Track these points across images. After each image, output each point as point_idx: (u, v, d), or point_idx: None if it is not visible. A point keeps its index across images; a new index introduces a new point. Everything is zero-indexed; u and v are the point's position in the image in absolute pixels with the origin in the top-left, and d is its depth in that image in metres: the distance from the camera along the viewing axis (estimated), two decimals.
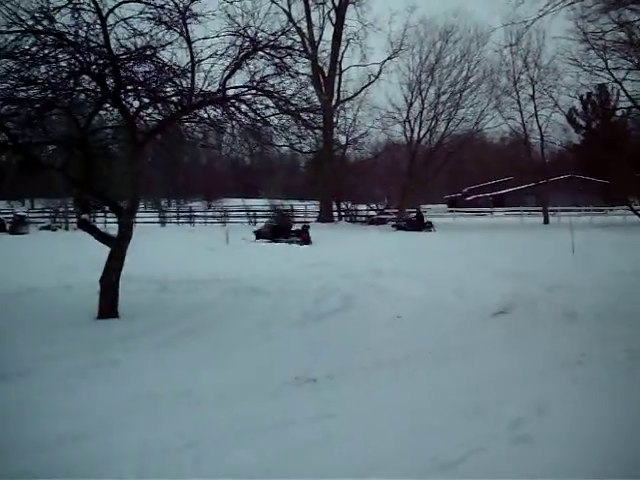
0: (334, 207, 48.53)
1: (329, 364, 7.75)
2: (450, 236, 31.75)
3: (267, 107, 11.34)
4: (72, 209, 44.70)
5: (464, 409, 6.07)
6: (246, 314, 11.36)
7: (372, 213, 48.49)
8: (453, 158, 46.79)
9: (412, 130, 46.59)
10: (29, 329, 10.16)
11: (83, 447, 5.31)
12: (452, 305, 11.74)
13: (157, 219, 46.66)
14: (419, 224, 38.53)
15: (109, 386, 7.05)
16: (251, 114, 11.31)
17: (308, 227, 32.09)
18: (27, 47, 9.97)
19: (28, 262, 20.65)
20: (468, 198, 67.54)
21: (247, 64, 11.07)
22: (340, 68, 46.10)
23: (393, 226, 39.61)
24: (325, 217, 45.06)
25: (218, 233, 31.93)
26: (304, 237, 30.21)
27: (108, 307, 10.89)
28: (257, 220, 47.32)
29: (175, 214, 52.22)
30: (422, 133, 46.79)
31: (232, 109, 11.24)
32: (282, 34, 11.47)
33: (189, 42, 10.48)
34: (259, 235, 30.47)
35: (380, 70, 46.39)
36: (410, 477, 4.71)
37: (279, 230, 31.33)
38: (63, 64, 10.48)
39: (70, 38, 10.14)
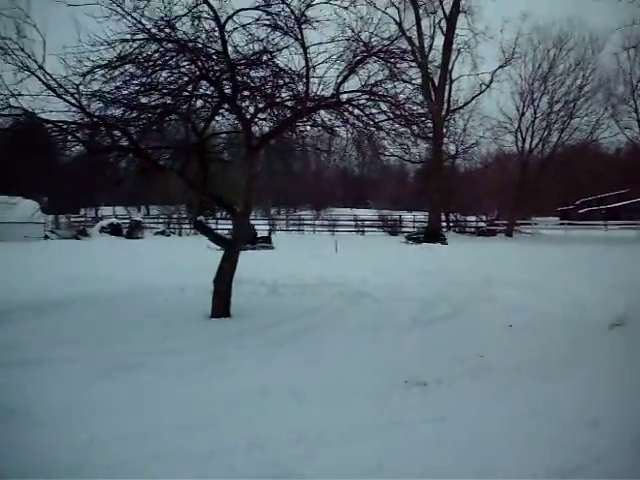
0: (442, 218, 48.09)
1: (438, 369, 7.66)
2: (563, 248, 30.90)
3: (380, 112, 11.34)
4: (185, 216, 46.04)
5: (579, 419, 5.89)
6: (354, 317, 11.41)
7: (481, 224, 47.82)
8: (566, 169, 45.49)
9: (524, 140, 45.75)
10: (146, 325, 10.59)
11: (193, 437, 5.47)
12: (565, 316, 11.38)
13: (267, 227, 47.41)
14: (435, 236, 37.69)
15: (220, 381, 7.22)
16: (364, 119, 11.35)
17: (270, 233, 33.96)
18: (149, 54, 10.35)
19: (144, 264, 21.39)
20: (581, 210, 65.60)
21: (360, 69, 11.13)
22: (450, 77, 45.69)
23: (407, 238, 38.54)
24: (433, 228, 44.64)
25: (327, 241, 32.28)
26: (269, 242, 31.57)
27: (221, 307, 11.17)
28: (365, 230, 47.54)
29: (284, 222, 52.97)
30: (534, 143, 45.87)
31: (346, 114, 11.33)
32: (392, 42, 11.46)
33: (304, 47, 10.62)
34: None
35: (491, 79, 45.71)
36: None
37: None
38: (183, 70, 10.82)
39: (190, 45, 10.45)
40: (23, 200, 29.80)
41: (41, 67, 10.44)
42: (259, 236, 32.76)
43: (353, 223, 49.39)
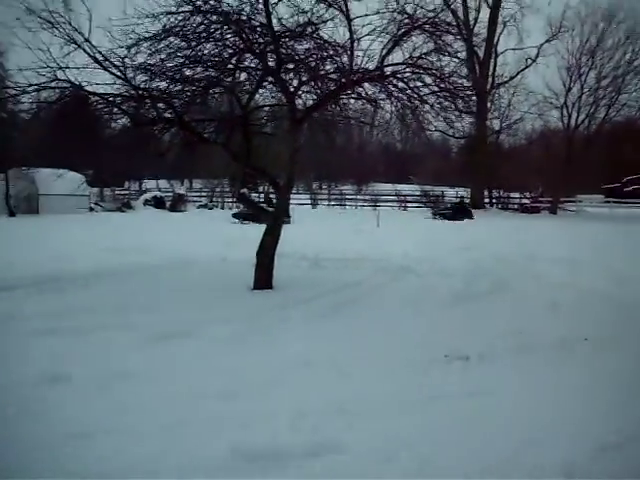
0: (485, 194, 47.64)
1: (480, 344, 7.63)
2: (607, 226, 30.42)
3: (424, 85, 11.24)
4: (228, 189, 46.33)
5: (627, 394, 5.85)
6: (396, 292, 11.41)
7: (525, 201, 47.26)
8: (613, 146, 44.55)
9: (569, 116, 44.80)
10: (189, 296, 10.77)
11: (237, 404, 5.57)
12: (609, 293, 11.27)
13: (309, 201, 47.44)
14: (462, 213, 36.62)
15: (264, 351, 7.31)
16: (408, 92, 11.26)
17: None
18: (194, 26, 10.37)
19: (187, 236, 21.63)
20: (627, 188, 64.30)
21: (405, 41, 11.04)
22: (495, 51, 45.03)
23: (435, 214, 37.41)
24: (476, 204, 44.26)
25: (368, 216, 32.24)
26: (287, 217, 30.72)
27: (263, 279, 11.26)
28: (407, 205, 47.31)
29: (326, 196, 52.98)
30: (580, 119, 44.91)
31: (390, 87, 11.25)
32: (437, 15, 11.34)
33: (349, 19, 10.56)
34: (241, 217, 29.97)
35: (537, 53, 44.94)
36: (568, 456, 4.60)
37: None
38: (227, 43, 10.83)
39: (234, 17, 10.44)
40: (69, 173, 30.21)
41: (87, 40, 10.54)
42: None
43: (395, 198, 49.20)
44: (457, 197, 46.99)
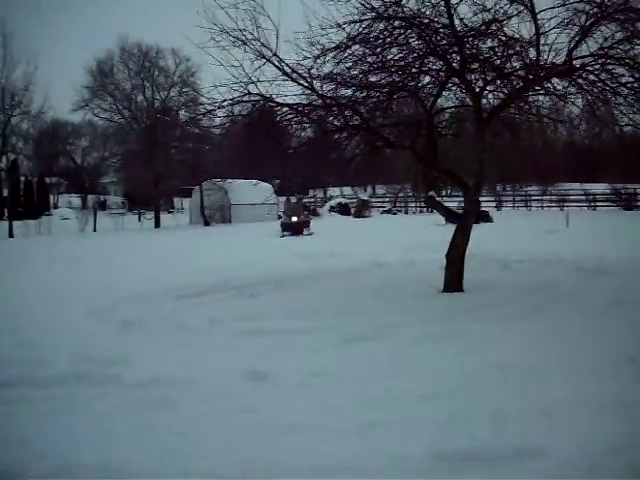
0: None
1: None
2: None
3: (613, 77, 10.68)
4: (411, 194, 46.42)
5: None
6: (592, 293, 10.96)
7: None
8: None
9: None
10: (379, 299, 10.94)
11: (434, 406, 5.54)
12: None
13: (493, 203, 46.51)
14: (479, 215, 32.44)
15: (458, 353, 7.25)
16: (600, 84, 10.78)
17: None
18: (378, 33, 10.52)
19: (373, 241, 21.93)
20: None
21: (593, 32, 10.56)
22: None
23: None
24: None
25: (556, 216, 31.22)
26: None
27: (454, 281, 11.18)
28: (597, 205, 45.16)
29: (511, 198, 51.76)
30: None
31: (579, 80, 10.84)
32: (627, 1, 10.74)
33: (534, 13, 10.26)
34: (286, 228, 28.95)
35: None
36: None
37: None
38: (410, 47, 10.87)
39: (417, 21, 10.49)
40: (260, 183, 31.60)
41: (275, 54, 10.98)
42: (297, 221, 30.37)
43: (583, 198, 47.13)
44: None
